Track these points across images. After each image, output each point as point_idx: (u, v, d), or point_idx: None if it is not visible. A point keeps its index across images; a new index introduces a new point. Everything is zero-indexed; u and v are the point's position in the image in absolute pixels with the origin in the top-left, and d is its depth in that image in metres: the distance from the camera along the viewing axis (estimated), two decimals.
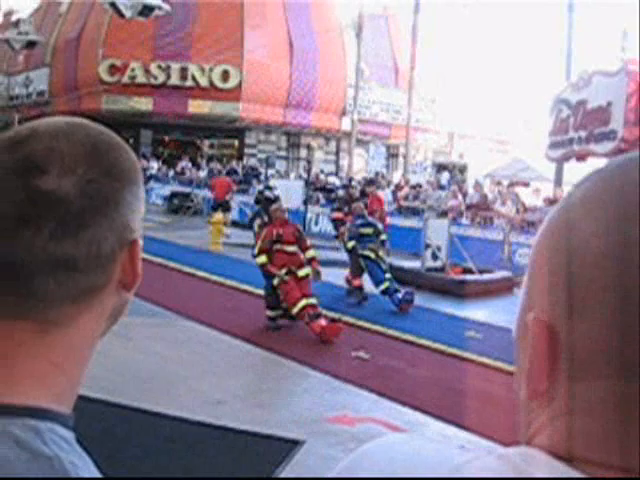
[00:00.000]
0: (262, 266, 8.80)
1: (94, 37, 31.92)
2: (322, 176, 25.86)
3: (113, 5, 25.27)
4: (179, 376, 6.61)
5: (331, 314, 9.39)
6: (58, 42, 35.48)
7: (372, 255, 10.62)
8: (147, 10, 25.52)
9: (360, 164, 34.16)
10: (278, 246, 8.75)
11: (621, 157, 0.59)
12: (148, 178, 25.06)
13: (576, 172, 15.38)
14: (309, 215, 20.01)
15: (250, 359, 7.57)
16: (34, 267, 0.72)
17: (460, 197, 19.12)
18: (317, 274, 8.95)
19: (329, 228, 17.74)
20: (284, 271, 8.64)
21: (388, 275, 10.61)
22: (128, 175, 0.78)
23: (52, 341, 0.74)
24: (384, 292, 10.40)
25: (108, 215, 0.75)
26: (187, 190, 24.91)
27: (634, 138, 13.59)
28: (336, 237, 14.75)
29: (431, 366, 7.55)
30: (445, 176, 24.72)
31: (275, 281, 8.67)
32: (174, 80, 31.29)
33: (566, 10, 22.82)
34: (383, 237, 11.11)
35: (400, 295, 10.28)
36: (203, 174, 27.02)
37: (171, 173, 29.16)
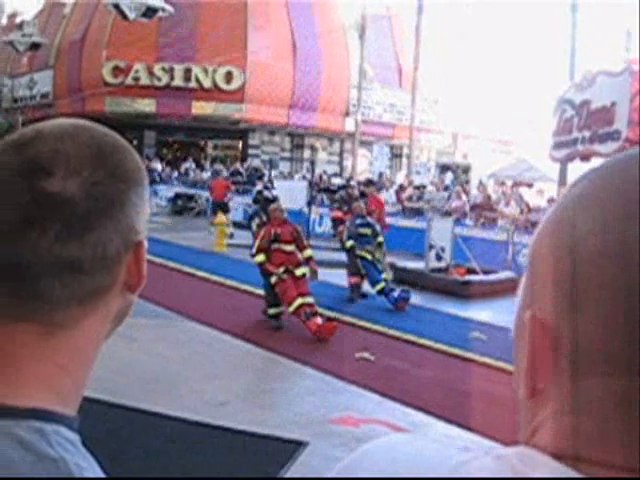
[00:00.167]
0: (260, 265, 8.93)
1: (98, 39, 31.97)
2: (325, 177, 25.85)
3: (117, 7, 25.32)
4: (182, 377, 6.61)
5: (334, 314, 9.42)
6: (62, 44, 35.53)
7: (369, 256, 10.77)
8: (150, 12, 25.56)
9: (364, 165, 34.13)
10: (276, 245, 8.88)
11: (619, 155, 0.59)
12: (152, 180, 25.08)
13: (580, 172, 15.30)
14: (313, 216, 20.01)
15: (253, 360, 7.57)
16: (39, 269, 0.72)
17: (464, 197, 19.10)
18: (314, 273, 9.07)
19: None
20: (282, 270, 8.76)
21: (384, 275, 10.78)
22: (133, 176, 0.78)
23: (57, 343, 0.74)
24: (380, 292, 10.53)
25: (113, 217, 0.75)
26: (191, 191, 24.94)
27: (638, 138, 13.56)
28: (334, 236, 14.95)
29: (435, 367, 7.54)
30: (449, 176, 24.71)
31: (273, 279, 8.79)
32: (177, 81, 31.32)
33: (569, 10, 22.79)
34: (380, 239, 11.22)
35: (396, 294, 10.43)
36: (206, 175, 27.03)
37: (175, 174, 29.18)
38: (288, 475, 4.58)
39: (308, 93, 32.50)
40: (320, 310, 8.88)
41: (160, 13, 26.04)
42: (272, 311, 8.90)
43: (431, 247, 12.74)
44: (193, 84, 31.27)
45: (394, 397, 6.37)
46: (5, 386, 0.71)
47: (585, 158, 15.94)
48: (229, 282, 11.47)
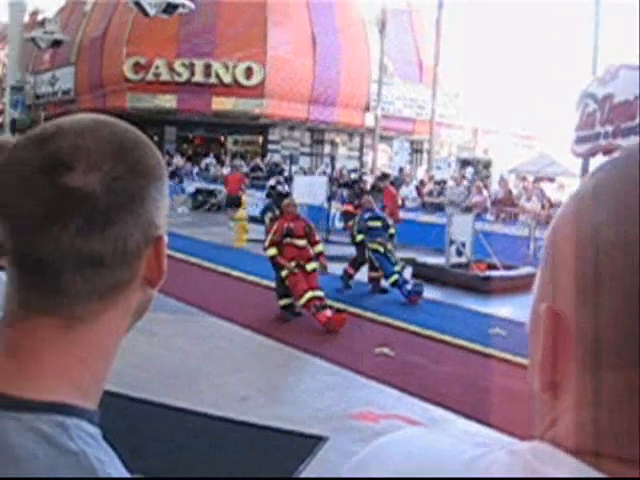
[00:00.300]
0: (272, 258, 9.09)
1: (118, 35, 32.14)
2: (345, 172, 25.82)
3: (137, 4, 25.45)
4: (203, 372, 6.64)
5: (356, 310, 9.44)
6: (83, 41, 35.77)
7: (381, 249, 10.82)
8: (171, 8, 25.67)
9: (384, 160, 34.05)
10: (288, 240, 9.02)
11: (635, 146, 0.58)
12: (173, 175, 25.15)
13: None
14: (332, 211, 20.00)
15: (274, 355, 7.59)
16: (61, 263, 0.72)
17: (485, 193, 18.99)
18: (324, 268, 9.21)
19: None
20: (293, 264, 8.90)
21: (397, 268, 10.78)
22: (153, 172, 0.78)
23: (77, 337, 0.75)
24: (393, 284, 10.59)
25: (134, 211, 0.75)
26: (211, 187, 25.04)
27: None
28: (344, 229, 15.09)
29: (455, 363, 7.52)
30: (469, 172, 24.58)
31: (284, 273, 8.94)
32: (198, 77, 31.41)
33: (594, 3, 22.55)
34: (392, 231, 11.29)
35: (409, 287, 10.50)
36: (226, 171, 27.12)
37: (195, 170, 29.29)
38: (307, 470, 4.59)
39: (328, 88, 32.45)
40: (337, 304, 8.95)
41: (180, 9, 26.14)
42: (283, 302, 9.10)
43: (452, 242, 12.68)
44: (213, 80, 31.34)
45: (414, 393, 6.36)
46: (23, 379, 0.72)
47: (607, 153, 15.77)
48: (250, 277, 11.49)
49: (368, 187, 15.82)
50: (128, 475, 0.72)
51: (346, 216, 15.46)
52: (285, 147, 33.22)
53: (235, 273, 11.84)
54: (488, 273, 12.35)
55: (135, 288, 0.79)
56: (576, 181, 19.87)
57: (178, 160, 27.62)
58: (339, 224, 19.73)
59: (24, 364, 0.73)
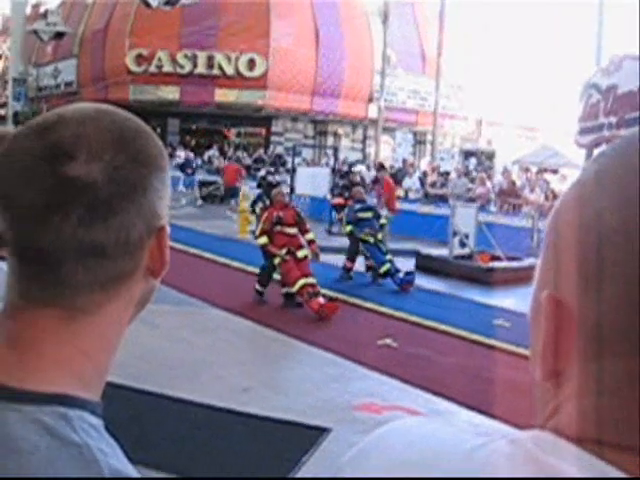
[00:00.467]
0: (263, 246, 9.28)
1: (121, 27, 32.12)
2: (346, 165, 25.82)
3: None
4: (206, 363, 6.65)
5: (359, 301, 9.45)
6: (86, 33, 35.76)
7: (371, 239, 10.92)
8: (173, 0, 25.65)
9: (387, 151, 34.05)
10: (278, 228, 9.21)
11: (637, 132, 0.57)
12: (184, 166, 25.10)
13: None
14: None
15: (277, 346, 7.60)
16: (62, 254, 0.72)
17: (488, 184, 18.98)
18: (316, 256, 9.38)
19: None
20: (284, 252, 9.07)
21: (388, 257, 10.87)
22: (155, 161, 0.78)
23: (79, 328, 0.75)
24: (385, 273, 10.68)
25: (136, 201, 0.75)
26: (214, 179, 25.05)
27: None
28: (339, 221, 15.22)
29: (459, 354, 7.52)
30: (472, 163, 24.56)
31: (276, 260, 9.13)
32: (200, 69, 31.40)
33: None
34: (383, 221, 11.43)
35: (401, 275, 10.61)
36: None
37: (198, 162, 29.30)
38: (310, 462, 4.60)
39: (331, 79, 32.42)
40: (340, 295, 8.97)
41: (183, 1, 26.12)
42: (259, 288, 9.35)
43: (455, 234, 12.67)
44: (216, 71, 31.33)
45: (417, 384, 6.36)
46: (24, 371, 0.71)
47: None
48: (252, 269, 11.49)
49: (358, 178, 15.95)
50: (130, 466, 0.72)
51: (337, 208, 15.69)
52: (288, 139, 33.21)
53: (238, 264, 11.84)
54: (491, 264, 12.35)
55: (138, 279, 0.78)
56: (579, 172, 19.84)
57: (188, 153, 27.57)
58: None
59: (25, 355, 0.72)
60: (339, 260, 11.57)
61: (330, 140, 35.33)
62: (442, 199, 18.88)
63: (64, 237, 0.71)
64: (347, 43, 32.84)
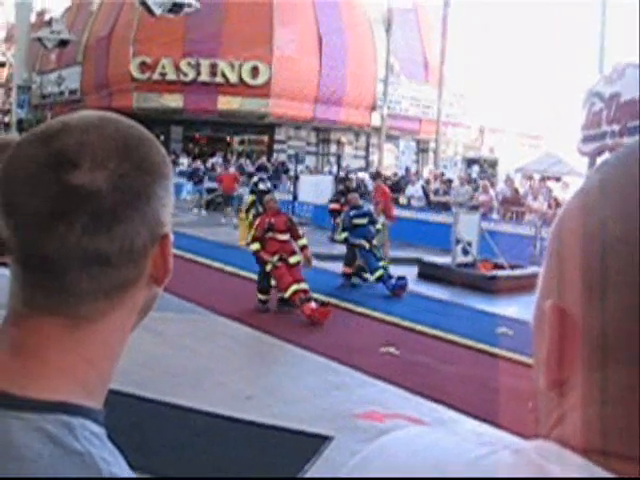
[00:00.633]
0: (256, 253, 9.36)
1: (125, 35, 32.22)
2: (351, 173, 25.84)
3: (143, 3, 25.54)
4: (208, 371, 6.65)
5: (360, 309, 9.45)
6: (90, 40, 35.88)
7: (366, 245, 11.02)
8: (177, 7, 25.75)
9: (390, 159, 34.08)
10: (270, 234, 9.30)
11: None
12: (192, 175, 25.10)
13: None
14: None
15: (279, 354, 7.59)
16: (67, 262, 0.72)
17: (491, 192, 18.97)
18: (308, 261, 9.44)
19: None
20: (276, 258, 9.15)
21: (382, 263, 11.04)
22: (159, 169, 0.78)
23: (83, 336, 0.74)
24: (378, 279, 10.81)
25: (140, 209, 0.75)
26: (216, 186, 25.06)
27: None
28: (333, 226, 15.63)
29: (461, 362, 7.50)
30: (475, 171, 24.56)
31: (268, 267, 9.21)
32: (204, 77, 31.47)
33: (599, 2, 22.50)
34: (378, 226, 11.58)
35: (394, 281, 10.74)
36: (232, 170, 27.16)
37: (202, 169, 29.31)
38: (312, 470, 4.58)
39: (334, 87, 32.47)
40: (343, 303, 8.98)
41: (186, 9, 26.21)
42: (261, 297, 9.36)
43: (458, 242, 12.67)
44: (219, 79, 31.40)
45: (420, 392, 6.35)
46: (27, 378, 0.71)
47: (614, 152, 15.74)
48: (254, 276, 11.48)
49: (354, 185, 16.12)
50: (133, 475, 0.72)
51: (333, 214, 15.85)
52: (291, 146, 33.25)
53: (240, 272, 11.84)
54: (494, 272, 12.34)
55: (141, 286, 0.78)
56: (582, 180, 19.81)
57: (196, 162, 27.56)
58: None
59: (28, 363, 0.72)
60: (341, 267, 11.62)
61: (333, 148, 35.37)
62: (445, 207, 18.87)
63: (68, 245, 0.71)
64: (350, 51, 32.91)
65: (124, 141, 0.76)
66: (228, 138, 35.68)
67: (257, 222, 9.62)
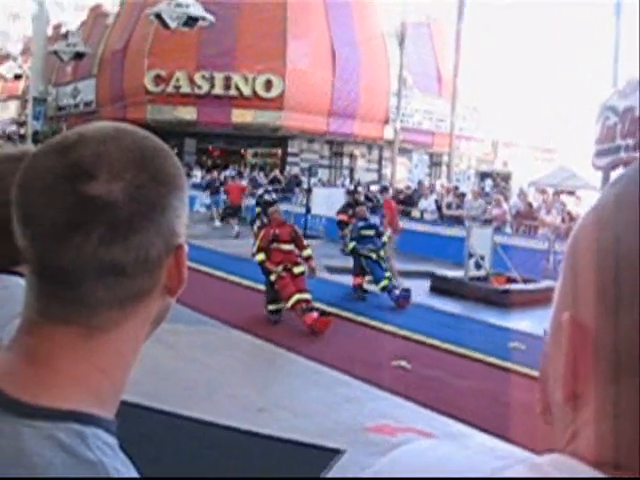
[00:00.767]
0: (261, 263, 9.45)
1: (140, 48, 32.45)
2: (360, 186, 25.83)
3: (159, 17, 25.74)
4: (220, 383, 6.64)
5: (372, 322, 9.42)
6: (105, 53, 36.18)
7: (373, 255, 11.29)
8: (191, 21, 25.94)
9: (403, 173, 34.06)
10: (275, 245, 9.43)
11: None
12: (208, 186, 25.23)
13: None
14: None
15: (291, 367, 7.57)
16: (83, 273, 0.72)
17: (505, 206, 18.91)
18: (312, 272, 9.62)
19: None
20: (280, 268, 9.25)
21: (387, 274, 11.27)
22: (174, 180, 0.78)
23: (96, 346, 0.75)
24: (383, 289, 11.00)
25: (155, 220, 0.75)
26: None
27: None
28: (340, 237, 15.99)
29: (474, 377, 7.46)
30: (488, 184, 24.49)
31: (272, 277, 9.31)
32: (218, 90, 31.62)
33: (613, 15, 22.47)
34: (384, 239, 11.81)
35: (398, 292, 10.92)
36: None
37: (218, 181, 29.37)
38: None
39: (347, 101, 32.54)
40: (356, 317, 8.95)
41: (201, 22, 26.39)
42: (271, 307, 9.39)
43: (471, 256, 12.63)
44: (233, 92, 31.53)
45: (432, 406, 6.31)
46: (40, 386, 0.72)
47: (628, 166, 15.65)
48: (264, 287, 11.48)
49: (362, 198, 16.84)
50: None
51: (341, 225, 16.04)
52: (304, 159, 33.31)
53: (252, 284, 11.83)
54: (507, 286, 12.27)
55: (155, 297, 0.79)
56: (596, 194, 19.73)
57: (212, 174, 27.66)
58: None
59: (41, 371, 0.73)
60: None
61: (346, 161, 35.41)
62: (458, 220, 18.81)
63: (85, 256, 0.72)
64: (363, 64, 32.99)
65: (140, 152, 0.76)
66: (242, 151, 35.79)
67: (262, 233, 9.74)
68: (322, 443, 5.22)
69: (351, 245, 11.56)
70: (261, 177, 28.21)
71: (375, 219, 13.72)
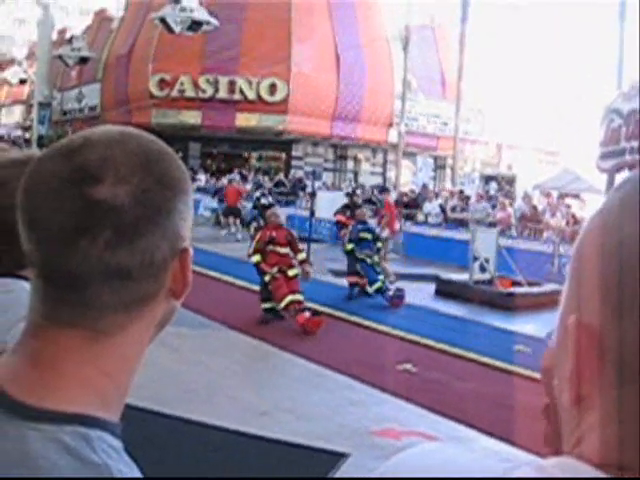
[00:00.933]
0: (256, 264, 9.65)
1: (144, 52, 32.53)
2: (368, 188, 25.85)
3: (163, 21, 25.81)
4: (223, 386, 6.64)
5: (376, 325, 9.42)
6: (109, 58, 36.28)
7: (368, 259, 11.56)
8: (196, 25, 25.99)
9: (407, 176, 34.06)
10: (271, 247, 9.60)
11: None
12: (216, 192, 25.38)
13: None
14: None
15: (294, 370, 7.57)
16: (89, 277, 0.72)
17: (509, 209, 18.89)
18: (306, 274, 9.79)
19: None
20: (275, 269, 9.45)
21: (381, 276, 11.53)
22: (179, 184, 0.79)
23: (102, 349, 0.75)
24: (377, 291, 11.25)
25: (160, 224, 0.75)
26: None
27: None
28: (337, 238, 16.35)
29: (479, 380, 7.45)
30: (493, 187, 24.47)
31: (267, 278, 9.50)
32: (222, 93, 31.67)
33: (617, 18, 22.45)
34: (379, 244, 12.11)
35: (391, 293, 11.19)
36: (249, 186, 27.24)
37: (224, 184, 29.39)
38: None
39: (351, 104, 32.56)
40: (365, 322, 8.96)
41: (205, 27, 26.45)
42: (265, 305, 9.61)
43: (475, 259, 12.61)
44: (237, 96, 31.58)
45: (436, 410, 6.30)
46: (45, 389, 0.72)
47: (633, 168, 15.60)
48: None
49: (360, 200, 17.19)
50: None
51: (339, 226, 16.20)
52: (308, 163, 33.33)
53: (254, 287, 11.83)
54: (512, 289, 12.26)
55: (160, 300, 0.79)
56: (602, 197, 19.68)
57: (223, 181, 27.77)
58: None
59: (46, 374, 0.73)
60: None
61: (350, 164, 35.42)
62: (462, 223, 18.80)
63: (91, 260, 0.72)
64: (368, 68, 33.01)
65: (146, 156, 0.76)
66: (246, 154, 35.83)
67: (258, 235, 9.94)
68: (326, 447, 5.22)
69: (349, 247, 11.79)
70: (265, 181, 28.24)
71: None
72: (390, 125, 33.74)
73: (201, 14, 26.29)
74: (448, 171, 35.53)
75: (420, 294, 11.79)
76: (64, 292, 0.73)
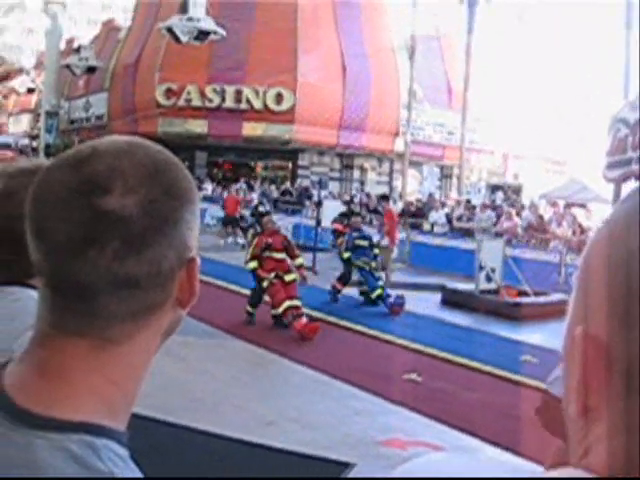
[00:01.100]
0: (253, 270, 9.78)
1: (151, 62, 32.67)
2: (374, 197, 25.82)
3: (170, 31, 25.94)
4: (229, 395, 6.63)
5: (383, 335, 9.40)
6: (117, 67, 36.45)
7: (366, 267, 11.69)
8: (202, 35, 26.14)
9: (413, 185, 34.05)
10: (267, 253, 9.73)
11: None
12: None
13: None
14: None
15: (300, 379, 7.55)
16: (97, 286, 0.73)
17: (516, 219, 18.86)
18: (303, 279, 9.93)
19: None
20: (272, 275, 9.58)
21: (381, 283, 11.68)
22: (186, 194, 0.79)
23: (109, 358, 0.75)
24: (378, 297, 11.30)
25: (168, 234, 0.75)
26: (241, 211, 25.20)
27: None
28: (334, 246, 16.57)
29: (485, 390, 7.42)
30: (499, 197, 24.45)
31: (265, 284, 9.63)
32: (229, 103, 31.76)
33: (624, 28, 22.45)
34: (376, 251, 12.21)
35: (391, 300, 11.22)
36: (255, 195, 27.26)
37: (225, 194, 29.46)
38: None
39: (357, 114, 32.61)
40: (370, 331, 8.95)
41: (212, 36, 26.57)
42: (250, 309, 9.86)
43: (481, 268, 12.58)
44: (244, 105, 31.67)
45: (442, 420, 6.28)
46: (52, 398, 0.72)
47: None
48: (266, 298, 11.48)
49: (357, 208, 17.42)
50: None
51: (335, 234, 16.25)
52: (315, 172, 33.35)
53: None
54: (518, 299, 12.22)
55: (167, 309, 0.79)
56: (609, 207, 19.65)
57: (235, 193, 27.95)
58: None
59: (53, 382, 0.73)
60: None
61: (356, 174, 35.44)
62: (468, 233, 18.77)
63: (99, 270, 0.72)
64: (374, 77, 33.07)
65: (154, 166, 0.77)
66: (252, 164, 35.90)
67: (255, 241, 10.06)
68: (332, 456, 5.20)
69: (346, 255, 11.90)
70: (272, 190, 28.27)
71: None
72: (396, 134, 33.78)
73: (208, 24, 26.43)
74: (454, 180, 35.52)
75: (426, 303, 11.77)
76: (72, 301, 0.74)
